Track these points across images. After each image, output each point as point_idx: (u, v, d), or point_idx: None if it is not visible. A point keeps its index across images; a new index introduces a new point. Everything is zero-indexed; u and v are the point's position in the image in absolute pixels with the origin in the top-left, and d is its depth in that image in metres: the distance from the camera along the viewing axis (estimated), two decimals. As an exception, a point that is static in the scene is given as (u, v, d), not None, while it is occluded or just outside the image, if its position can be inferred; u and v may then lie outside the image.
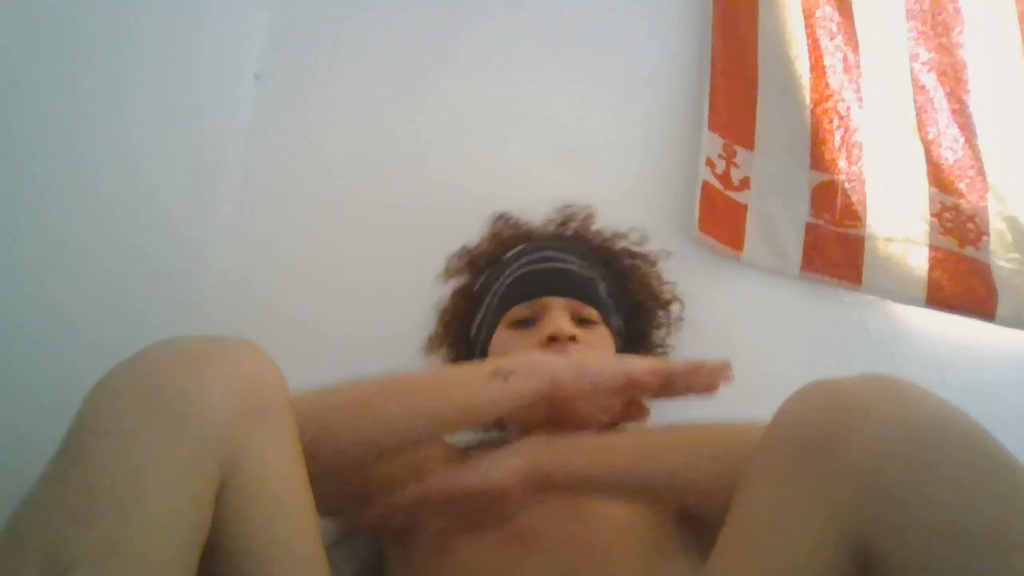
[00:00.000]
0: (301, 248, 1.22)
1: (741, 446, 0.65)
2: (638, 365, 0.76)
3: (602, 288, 0.96)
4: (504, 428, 0.98)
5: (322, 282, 1.18)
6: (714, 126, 1.22)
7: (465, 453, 0.92)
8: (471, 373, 0.74)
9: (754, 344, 1.14)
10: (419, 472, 0.84)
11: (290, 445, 0.60)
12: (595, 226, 1.10)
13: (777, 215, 1.19)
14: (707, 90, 1.23)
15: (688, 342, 1.13)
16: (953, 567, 0.45)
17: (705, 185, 1.18)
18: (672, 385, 0.75)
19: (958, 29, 1.24)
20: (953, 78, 1.22)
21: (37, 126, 0.86)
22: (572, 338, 0.87)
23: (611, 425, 0.81)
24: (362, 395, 0.69)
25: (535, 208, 1.12)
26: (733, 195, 1.19)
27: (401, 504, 0.72)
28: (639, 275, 1.05)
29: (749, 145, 1.22)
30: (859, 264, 1.15)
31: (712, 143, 1.21)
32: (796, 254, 1.17)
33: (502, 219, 1.11)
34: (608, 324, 0.94)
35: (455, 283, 1.09)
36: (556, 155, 1.25)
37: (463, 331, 1.03)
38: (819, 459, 0.53)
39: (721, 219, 1.18)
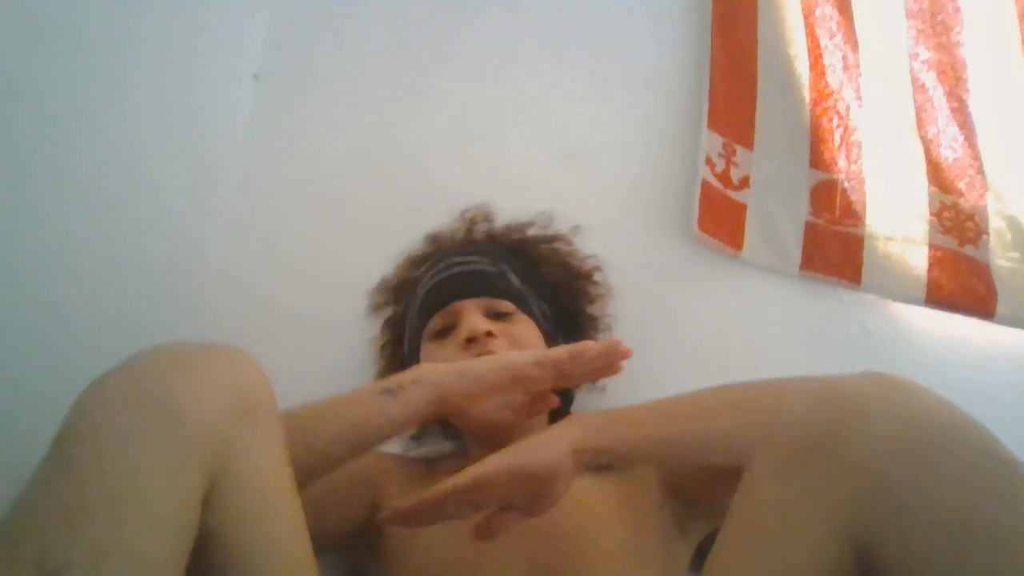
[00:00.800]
0: (301, 248, 1.22)
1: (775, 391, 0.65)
2: (520, 359, 0.76)
3: (514, 279, 0.95)
4: (457, 436, 0.98)
5: (322, 282, 1.18)
6: (713, 125, 1.21)
7: (427, 465, 0.92)
8: (362, 394, 0.73)
9: (753, 343, 1.14)
10: (371, 489, 0.85)
11: (279, 449, 0.60)
12: (499, 221, 1.10)
13: (776, 214, 1.19)
14: (706, 89, 1.23)
15: (688, 341, 1.14)
16: (954, 566, 0.45)
17: (704, 184, 1.18)
18: (564, 372, 0.75)
19: (958, 28, 1.24)
20: (953, 77, 1.22)
21: (37, 126, 0.86)
22: (489, 334, 0.87)
23: (524, 421, 0.82)
24: None
25: (534, 208, 1.12)
26: (732, 194, 1.19)
27: (441, 496, 0.69)
28: (551, 257, 1.06)
29: (748, 144, 1.22)
30: (858, 263, 1.15)
31: (711, 142, 1.21)
32: (795, 253, 1.16)
33: (424, 240, 1.11)
34: (529, 312, 0.94)
35: (384, 315, 1.09)
36: (556, 155, 1.25)
37: (402, 358, 1.03)
38: (819, 459, 0.53)
39: (720, 218, 1.18)
